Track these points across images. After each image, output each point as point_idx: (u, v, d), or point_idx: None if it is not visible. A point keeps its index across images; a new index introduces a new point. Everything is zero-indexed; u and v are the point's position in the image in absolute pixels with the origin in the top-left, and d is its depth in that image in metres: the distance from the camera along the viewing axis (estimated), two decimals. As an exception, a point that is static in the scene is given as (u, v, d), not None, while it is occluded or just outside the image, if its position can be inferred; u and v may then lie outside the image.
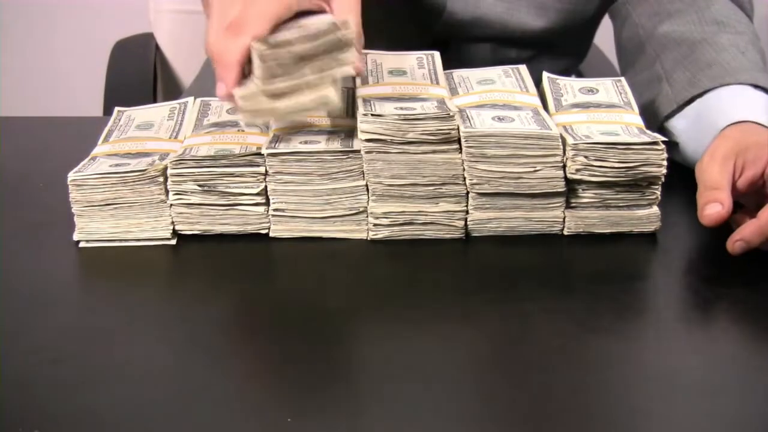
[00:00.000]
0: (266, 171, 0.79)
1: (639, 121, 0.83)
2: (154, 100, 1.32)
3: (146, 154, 0.82)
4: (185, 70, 1.41)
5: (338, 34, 0.76)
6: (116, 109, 0.92)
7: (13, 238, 0.81)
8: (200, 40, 0.77)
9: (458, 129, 0.78)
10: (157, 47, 1.41)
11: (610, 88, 0.88)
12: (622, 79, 0.89)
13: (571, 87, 0.88)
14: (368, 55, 0.90)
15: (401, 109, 0.79)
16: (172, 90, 1.40)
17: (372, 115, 0.78)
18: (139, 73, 1.35)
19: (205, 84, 1.21)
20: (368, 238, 0.81)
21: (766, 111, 0.85)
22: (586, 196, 0.80)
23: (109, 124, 0.89)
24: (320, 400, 0.61)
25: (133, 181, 0.78)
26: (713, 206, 0.77)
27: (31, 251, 0.79)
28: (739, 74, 0.90)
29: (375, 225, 0.80)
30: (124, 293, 0.74)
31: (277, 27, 0.76)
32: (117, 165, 0.80)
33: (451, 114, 0.78)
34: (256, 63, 0.75)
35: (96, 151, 0.84)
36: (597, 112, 0.84)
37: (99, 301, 0.73)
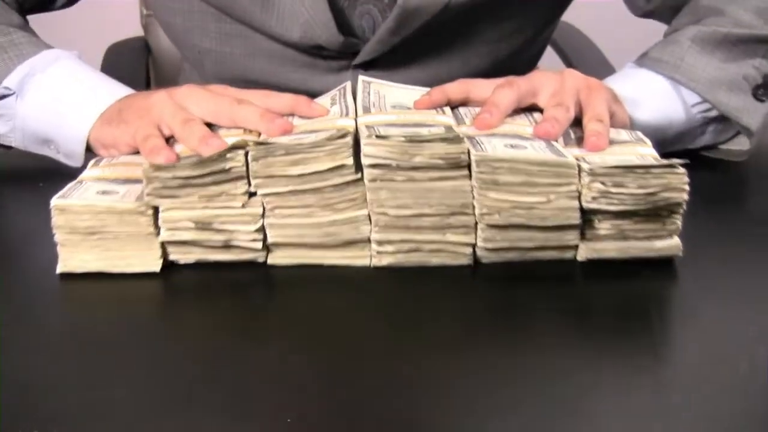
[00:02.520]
0: (263, 209, 0.74)
1: (654, 152, 0.79)
2: None
3: (136, 181, 0.77)
4: (178, 74, 1.36)
5: (229, 164, 0.73)
6: None
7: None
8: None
9: (468, 153, 0.73)
10: (150, 51, 1.42)
11: (620, 130, 0.84)
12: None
13: (579, 123, 0.84)
14: (371, 85, 0.86)
15: (407, 132, 0.75)
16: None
17: (377, 137, 0.73)
18: (132, 77, 1.34)
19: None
20: (371, 265, 0.76)
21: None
22: (603, 227, 0.75)
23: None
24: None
25: (120, 213, 0.73)
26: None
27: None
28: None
29: (378, 252, 0.75)
30: (108, 332, 0.69)
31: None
32: (104, 192, 0.75)
33: (461, 136, 0.73)
34: (144, 182, 0.72)
35: (84, 174, 0.79)
36: (609, 146, 0.80)
37: (82, 339, 0.68)
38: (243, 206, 0.74)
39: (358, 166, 0.74)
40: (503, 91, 0.83)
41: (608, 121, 0.82)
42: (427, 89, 0.87)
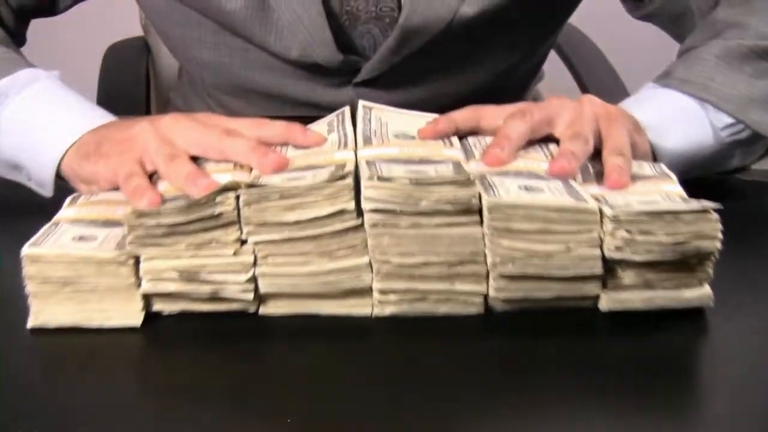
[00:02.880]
0: (255, 257, 0.68)
1: (680, 189, 0.72)
2: (147, 104, 1.31)
3: (117, 224, 0.70)
4: (177, 75, 1.35)
5: (218, 209, 0.66)
6: None
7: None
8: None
9: (480, 197, 0.66)
10: (150, 51, 1.40)
11: (643, 163, 0.78)
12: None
13: (597, 153, 0.77)
14: (372, 111, 0.79)
15: (412, 172, 0.68)
16: (165, 94, 1.37)
17: (379, 178, 0.66)
18: (132, 77, 1.35)
19: (186, 95, 1.20)
20: (372, 315, 0.70)
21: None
22: (627, 276, 0.68)
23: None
24: None
25: (98, 263, 0.67)
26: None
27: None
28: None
29: (380, 302, 0.69)
30: (84, 395, 0.62)
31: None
32: (81, 238, 0.69)
33: (472, 178, 0.66)
34: (126, 229, 0.66)
35: (60, 215, 0.73)
36: (631, 183, 0.73)
37: (56, 405, 0.62)
38: (234, 254, 0.67)
39: (359, 210, 0.67)
40: (515, 121, 0.76)
41: (630, 154, 0.75)
42: (433, 115, 0.80)
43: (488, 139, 0.78)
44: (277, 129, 0.77)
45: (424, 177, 0.67)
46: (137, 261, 0.67)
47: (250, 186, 0.67)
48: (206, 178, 0.71)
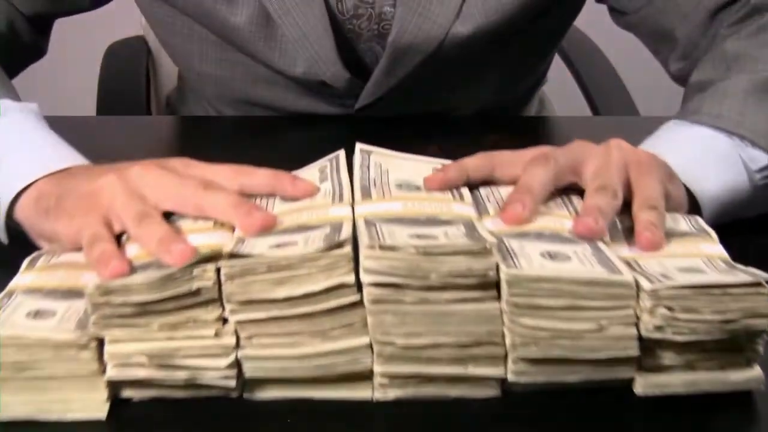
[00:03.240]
0: (237, 338, 0.58)
1: (722, 251, 0.64)
2: (148, 104, 1.28)
3: (78, 293, 0.61)
4: (177, 75, 1.33)
5: (196, 284, 0.57)
6: None
7: None
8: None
9: (497, 269, 0.57)
10: (150, 51, 1.40)
11: (677, 216, 0.69)
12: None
13: (626, 206, 0.68)
14: (370, 156, 0.70)
15: (418, 237, 0.59)
16: (165, 94, 1.37)
17: (381, 247, 0.57)
18: (132, 76, 1.34)
19: (185, 99, 1.19)
20: (373, 399, 0.61)
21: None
22: (666, 357, 0.60)
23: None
24: None
25: (56, 347, 0.58)
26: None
27: None
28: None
29: (382, 384, 0.60)
30: None
31: None
32: (37, 313, 0.60)
33: (488, 247, 0.57)
34: (89, 307, 0.58)
35: (16, 281, 0.64)
36: (666, 242, 0.64)
37: None
38: (215, 335, 0.58)
39: (358, 283, 0.58)
40: (537, 170, 0.67)
41: (663, 208, 0.66)
42: (439, 161, 0.71)
43: (503, 190, 0.69)
44: (262, 178, 0.68)
45: (433, 245, 0.58)
46: (101, 343, 0.58)
47: (233, 256, 0.58)
48: (182, 243, 0.61)
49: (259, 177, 0.68)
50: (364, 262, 0.57)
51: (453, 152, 0.88)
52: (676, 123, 0.81)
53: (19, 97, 0.83)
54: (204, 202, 0.65)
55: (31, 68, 1.02)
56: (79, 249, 0.66)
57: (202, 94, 1.11)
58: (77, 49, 1.68)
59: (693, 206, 0.74)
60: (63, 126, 0.96)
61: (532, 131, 1.10)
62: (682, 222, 0.68)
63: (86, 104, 1.30)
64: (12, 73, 0.95)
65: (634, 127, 1.11)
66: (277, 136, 1.02)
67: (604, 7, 1.05)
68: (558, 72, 1.35)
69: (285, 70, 0.98)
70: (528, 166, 0.68)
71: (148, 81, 1.36)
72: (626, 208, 0.68)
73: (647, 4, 0.96)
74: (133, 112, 1.25)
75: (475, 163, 0.69)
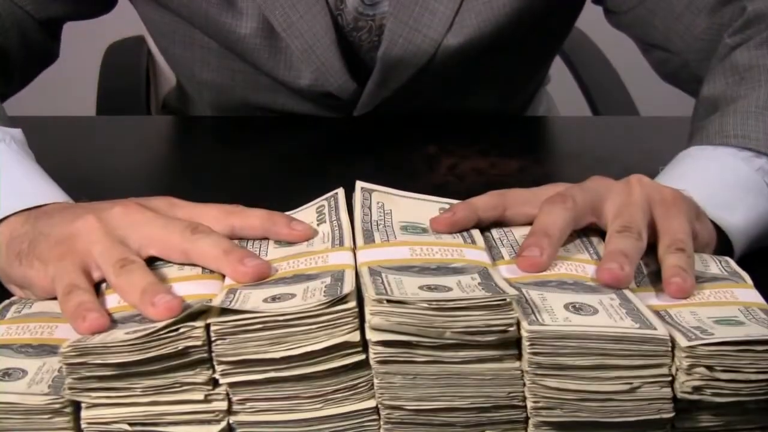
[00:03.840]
0: (229, 402, 0.53)
1: (759, 298, 0.59)
2: (147, 104, 1.27)
3: (53, 348, 0.55)
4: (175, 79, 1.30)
5: (183, 344, 0.52)
6: None
7: None
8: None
9: (518, 325, 0.52)
10: (150, 50, 1.38)
11: (707, 258, 0.64)
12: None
13: (650, 247, 0.63)
14: (372, 196, 0.64)
15: (429, 288, 0.53)
16: (165, 94, 1.33)
17: (388, 301, 0.51)
18: (132, 76, 1.33)
19: (183, 101, 1.17)
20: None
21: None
22: (704, 419, 0.54)
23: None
24: None
25: (26, 413, 0.52)
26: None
27: None
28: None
29: None
30: None
31: None
32: (5, 374, 0.54)
33: (508, 300, 0.52)
34: (64, 369, 0.52)
35: None
36: (696, 288, 0.59)
37: None
38: (205, 399, 0.52)
39: (363, 340, 0.52)
40: (555, 210, 0.61)
41: (692, 250, 0.61)
42: (445, 200, 0.65)
43: (516, 232, 0.63)
44: (254, 220, 0.62)
45: (447, 298, 0.52)
46: (78, 407, 0.53)
47: (224, 312, 0.52)
48: (167, 295, 0.56)
49: (251, 218, 0.63)
50: (370, 319, 0.52)
51: (452, 152, 0.84)
52: (698, 149, 0.75)
53: (7, 119, 0.76)
54: (192, 248, 0.60)
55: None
56: (53, 297, 0.61)
57: (199, 99, 1.09)
58: (77, 49, 1.69)
59: (721, 242, 0.69)
60: (63, 126, 0.98)
61: (532, 131, 1.07)
62: (712, 264, 0.63)
63: (86, 104, 1.28)
64: (27, 79, 0.94)
65: (634, 127, 1.10)
66: (277, 136, 0.99)
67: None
68: (558, 72, 1.33)
69: (290, 82, 0.96)
70: (544, 206, 0.62)
71: (148, 81, 1.35)
72: (651, 250, 0.62)
73: (638, 4, 0.93)
74: (132, 112, 1.23)
75: (486, 201, 0.64)
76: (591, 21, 1.41)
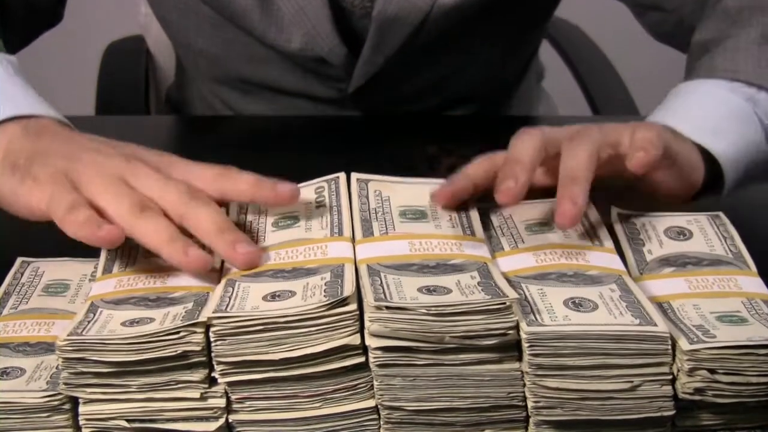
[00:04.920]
0: (228, 400, 0.52)
1: (763, 288, 0.58)
2: (147, 103, 1.27)
3: (50, 347, 0.55)
4: (174, 69, 1.30)
5: (182, 348, 0.52)
6: (20, 259, 0.65)
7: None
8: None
9: (518, 328, 0.52)
10: (149, 50, 1.38)
11: (707, 228, 0.63)
12: (721, 214, 0.64)
13: (652, 227, 0.63)
14: (368, 185, 0.64)
15: (428, 290, 0.53)
16: (164, 93, 1.35)
17: (387, 308, 0.51)
18: (131, 76, 1.32)
19: (183, 87, 1.17)
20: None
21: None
22: (705, 417, 0.54)
23: (6, 282, 0.63)
24: None
25: (24, 412, 0.52)
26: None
27: None
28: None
29: None
30: None
31: None
32: (4, 372, 0.54)
33: (507, 303, 0.51)
34: (59, 363, 0.52)
35: None
36: (699, 275, 0.59)
37: None
38: (202, 397, 0.52)
39: (363, 342, 0.52)
40: (522, 139, 0.64)
41: (586, 174, 0.62)
42: (438, 181, 0.65)
43: (516, 218, 0.63)
44: (243, 185, 0.62)
45: (446, 303, 0.52)
46: (77, 403, 0.52)
47: (223, 315, 0.52)
48: (198, 249, 0.56)
49: (240, 183, 0.62)
50: (369, 326, 0.52)
51: (453, 151, 0.84)
52: (687, 84, 0.78)
53: (4, 49, 0.78)
54: (187, 212, 0.59)
55: (30, 67, 0.99)
56: (38, 218, 0.61)
57: (198, 75, 1.09)
58: (76, 48, 1.68)
59: (713, 171, 0.71)
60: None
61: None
62: (716, 242, 0.62)
63: (85, 104, 1.28)
64: (31, 36, 0.95)
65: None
66: (277, 136, 0.99)
67: (604, 5, 1.03)
68: (558, 72, 1.34)
69: (281, 46, 0.95)
70: (512, 141, 0.65)
71: (147, 80, 1.34)
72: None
73: None
74: (132, 111, 1.23)
75: (478, 168, 0.65)
76: (591, 19, 1.42)
